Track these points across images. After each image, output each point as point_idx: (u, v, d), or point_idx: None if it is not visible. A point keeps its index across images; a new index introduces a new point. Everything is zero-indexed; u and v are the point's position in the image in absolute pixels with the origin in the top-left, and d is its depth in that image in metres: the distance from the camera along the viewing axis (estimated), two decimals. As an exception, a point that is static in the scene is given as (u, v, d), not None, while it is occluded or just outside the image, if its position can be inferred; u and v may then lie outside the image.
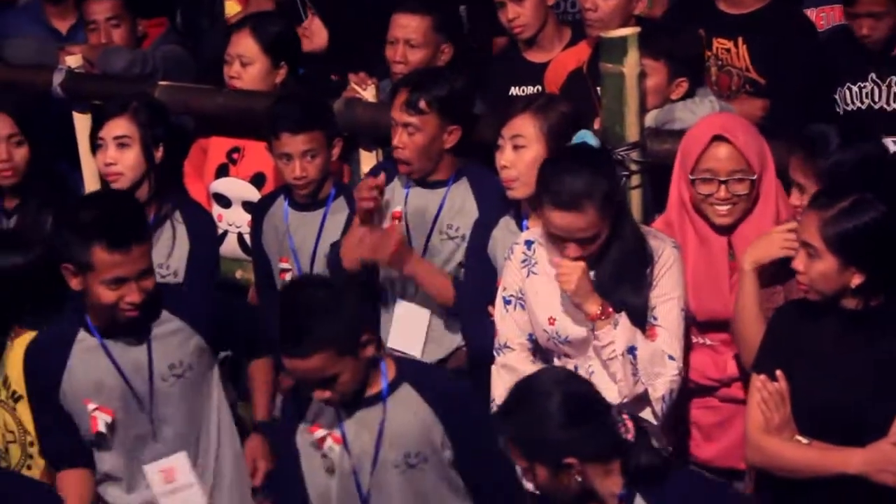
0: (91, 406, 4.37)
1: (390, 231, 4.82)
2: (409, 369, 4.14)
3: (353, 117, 5.32)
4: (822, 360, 3.91)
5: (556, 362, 4.33)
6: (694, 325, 4.42)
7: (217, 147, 5.63)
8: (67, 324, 4.41)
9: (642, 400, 4.17)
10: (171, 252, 5.01)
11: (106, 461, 4.46)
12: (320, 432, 4.11)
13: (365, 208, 4.83)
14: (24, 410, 4.69)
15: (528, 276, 4.33)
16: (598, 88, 4.78)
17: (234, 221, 5.51)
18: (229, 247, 5.49)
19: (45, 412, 4.46)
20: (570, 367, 4.21)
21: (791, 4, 5.56)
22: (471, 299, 4.66)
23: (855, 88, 5.24)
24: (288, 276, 5.17)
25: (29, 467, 4.72)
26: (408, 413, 4.05)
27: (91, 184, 5.75)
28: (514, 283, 4.36)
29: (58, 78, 5.86)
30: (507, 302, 4.35)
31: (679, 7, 5.67)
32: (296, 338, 3.95)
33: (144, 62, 5.88)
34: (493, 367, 4.36)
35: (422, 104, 4.81)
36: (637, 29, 4.73)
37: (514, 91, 5.60)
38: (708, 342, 4.46)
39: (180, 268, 5.04)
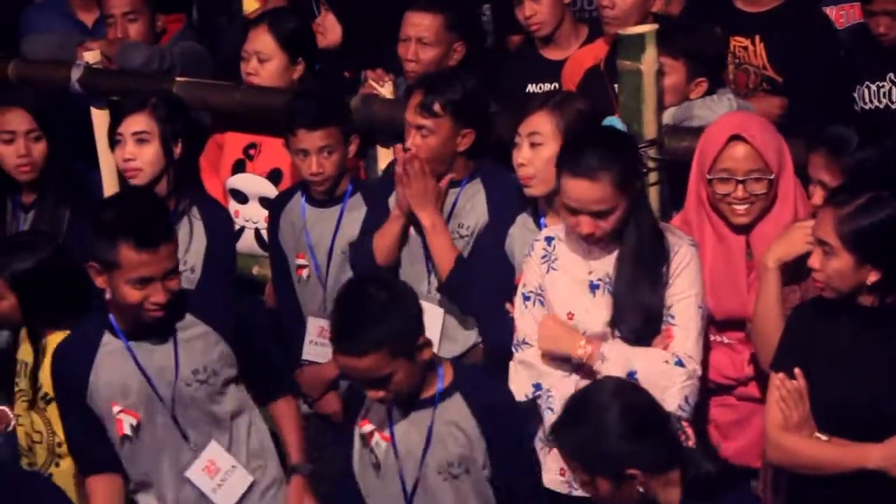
0: (116, 409, 4.35)
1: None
2: (465, 378, 4.11)
3: (370, 114, 5.32)
4: (838, 358, 3.92)
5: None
6: (711, 323, 4.42)
7: (233, 143, 5.64)
8: (92, 326, 4.40)
9: None
10: (188, 248, 4.99)
11: (135, 466, 4.43)
12: (368, 427, 4.10)
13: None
14: (54, 412, 4.71)
15: (547, 271, 4.33)
16: (616, 86, 4.78)
17: (250, 217, 5.52)
18: (246, 243, 5.50)
19: (72, 415, 4.44)
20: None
21: (808, 2, 5.55)
22: (488, 297, 4.66)
23: (873, 87, 5.23)
24: (305, 273, 5.18)
25: (57, 464, 4.75)
26: (454, 423, 4.04)
27: (109, 179, 5.76)
28: (533, 279, 4.36)
29: (76, 74, 5.87)
30: (526, 298, 4.35)
31: (696, 5, 5.66)
32: (350, 336, 3.92)
33: (162, 58, 5.89)
34: (511, 364, 4.35)
35: (436, 107, 4.80)
36: (654, 26, 4.72)
37: (530, 88, 5.60)
38: (725, 340, 4.46)
39: (197, 264, 5.04)
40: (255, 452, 4.48)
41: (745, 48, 5.38)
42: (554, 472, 4.18)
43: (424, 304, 4.88)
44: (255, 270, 5.50)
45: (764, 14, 5.39)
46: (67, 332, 4.62)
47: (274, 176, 5.51)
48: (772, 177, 4.32)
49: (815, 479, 3.92)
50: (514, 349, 4.36)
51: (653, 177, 4.70)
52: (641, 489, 3.65)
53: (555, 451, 4.05)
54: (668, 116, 4.80)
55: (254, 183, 5.53)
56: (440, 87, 4.83)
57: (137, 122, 5.08)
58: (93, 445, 4.43)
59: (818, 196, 4.24)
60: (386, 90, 5.39)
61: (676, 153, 4.67)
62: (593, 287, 4.26)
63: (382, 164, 5.38)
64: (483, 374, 4.38)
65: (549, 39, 5.64)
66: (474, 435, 4.03)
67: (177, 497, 4.43)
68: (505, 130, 4.75)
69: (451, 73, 5.08)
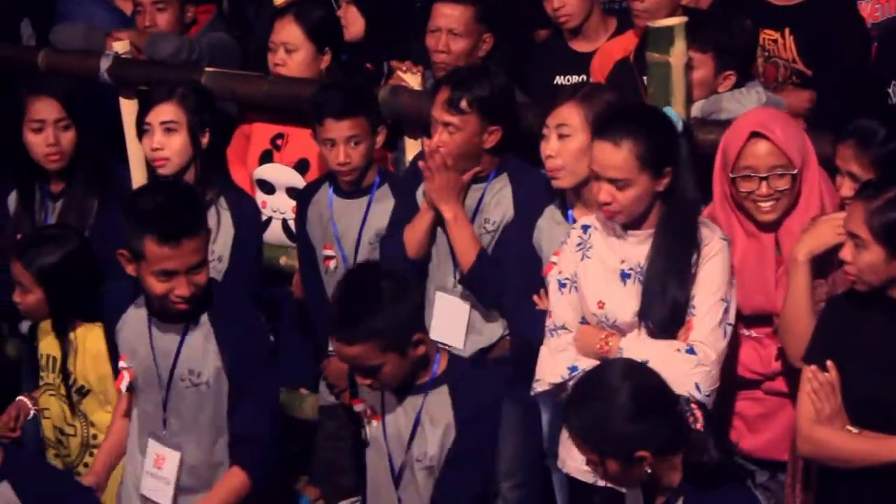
0: (122, 363, 4.44)
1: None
2: (455, 370, 4.15)
3: (398, 105, 5.33)
4: (868, 352, 3.90)
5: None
6: (739, 318, 4.40)
7: (261, 133, 5.65)
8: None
9: None
10: (215, 238, 5.00)
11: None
12: (360, 406, 4.19)
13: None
14: (90, 404, 4.73)
15: (581, 259, 4.33)
16: (645, 78, 4.78)
17: (278, 208, 5.53)
18: (273, 233, 5.50)
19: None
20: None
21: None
22: (516, 289, 4.66)
23: None
24: (332, 264, 5.19)
25: (91, 454, 4.78)
26: (437, 412, 4.10)
27: (137, 169, 5.78)
28: (569, 266, 4.35)
29: (105, 64, 5.90)
30: (562, 285, 4.35)
31: (726, -2, 5.65)
32: (344, 323, 3.97)
33: (191, 49, 5.89)
34: (544, 348, 4.35)
35: (463, 104, 4.79)
36: (684, 18, 4.72)
37: (558, 80, 5.59)
38: (753, 335, 4.45)
39: (225, 254, 5.06)
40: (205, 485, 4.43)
41: (775, 41, 5.37)
42: (580, 460, 4.19)
43: (451, 298, 4.94)
44: (283, 261, 5.51)
45: (794, 7, 5.37)
46: (97, 324, 4.65)
47: (301, 166, 5.52)
48: (795, 172, 4.30)
49: (845, 472, 3.91)
50: (549, 334, 4.36)
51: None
52: (650, 470, 3.65)
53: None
54: (697, 109, 4.79)
55: (281, 173, 5.54)
56: (467, 84, 4.82)
57: (165, 112, 5.10)
58: None
59: (846, 188, 4.22)
60: (414, 81, 5.39)
61: (704, 146, 4.65)
62: (624, 276, 4.26)
63: (410, 155, 5.38)
64: (473, 369, 4.42)
65: (578, 31, 5.63)
66: (448, 428, 4.08)
67: (133, 463, 4.49)
68: (533, 122, 4.74)
69: (478, 70, 5.06)
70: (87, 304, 4.69)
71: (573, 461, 4.30)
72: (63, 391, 4.78)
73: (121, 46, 5.94)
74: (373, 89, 5.32)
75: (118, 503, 4.59)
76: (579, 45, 5.64)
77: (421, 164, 4.85)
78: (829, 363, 3.91)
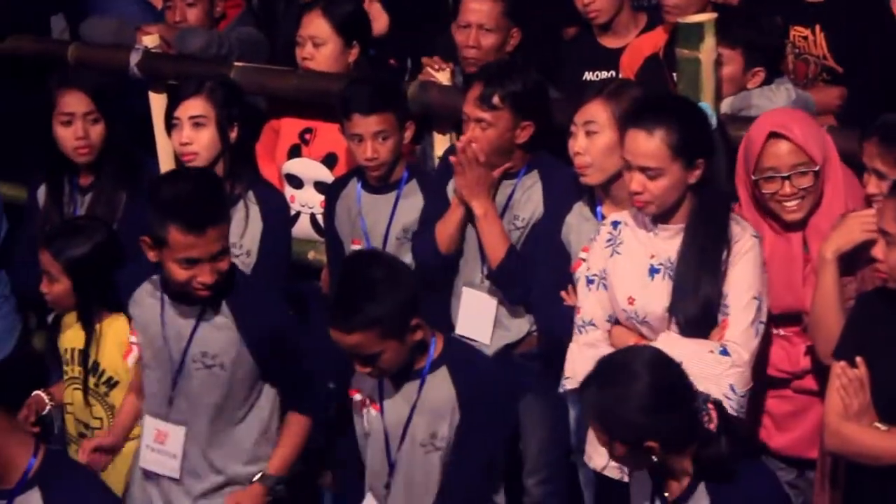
0: (133, 339, 4.52)
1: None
2: (453, 351, 4.20)
3: (427, 100, 5.33)
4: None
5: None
6: (768, 317, 4.38)
7: (289, 128, 5.65)
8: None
9: None
10: (243, 232, 5.03)
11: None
12: (358, 396, 4.23)
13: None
14: (118, 396, 4.75)
15: (611, 255, 4.32)
16: (674, 74, 4.76)
17: (306, 202, 5.53)
18: (302, 228, 5.51)
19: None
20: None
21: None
22: (544, 285, 4.65)
23: None
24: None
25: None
26: (440, 394, 4.13)
27: (166, 163, 5.78)
28: (598, 262, 4.35)
29: (134, 58, 5.91)
30: (590, 281, 4.34)
31: (757, -6, 5.64)
32: (342, 311, 4.01)
33: (220, 43, 5.90)
34: (573, 345, 4.35)
35: (495, 100, 4.78)
36: (714, 15, 4.72)
37: (588, 76, 5.59)
38: (782, 333, 4.43)
39: (253, 248, 5.07)
40: (219, 469, 4.48)
41: (805, 38, 5.35)
42: (607, 457, 4.18)
43: (478, 294, 4.94)
44: (311, 255, 5.51)
45: (825, 4, 5.36)
46: (122, 315, 4.66)
47: (329, 161, 5.52)
48: (816, 169, 4.28)
49: (873, 469, 3.90)
50: (577, 331, 4.35)
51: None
52: (656, 459, 3.67)
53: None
54: (726, 105, 4.78)
55: (309, 168, 5.54)
56: (500, 80, 4.81)
57: (194, 107, 5.10)
58: None
59: (873, 185, 4.21)
60: (443, 77, 5.39)
61: (734, 142, 4.64)
62: (653, 271, 4.25)
63: (439, 150, 5.38)
64: (470, 349, 4.46)
65: (607, 27, 5.63)
66: (454, 406, 4.11)
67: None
68: (561, 119, 4.74)
69: (510, 65, 5.04)
70: (112, 295, 4.71)
71: (600, 457, 4.28)
72: (90, 383, 4.79)
73: (150, 41, 5.95)
74: (400, 84, 5.31)
75: (130, 477, 4.65)
76: (609, 42, 5.64)
77: (452, 159, 4.85)
78: (858, 359, 3.90)
